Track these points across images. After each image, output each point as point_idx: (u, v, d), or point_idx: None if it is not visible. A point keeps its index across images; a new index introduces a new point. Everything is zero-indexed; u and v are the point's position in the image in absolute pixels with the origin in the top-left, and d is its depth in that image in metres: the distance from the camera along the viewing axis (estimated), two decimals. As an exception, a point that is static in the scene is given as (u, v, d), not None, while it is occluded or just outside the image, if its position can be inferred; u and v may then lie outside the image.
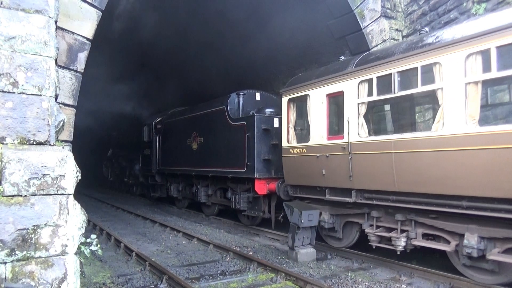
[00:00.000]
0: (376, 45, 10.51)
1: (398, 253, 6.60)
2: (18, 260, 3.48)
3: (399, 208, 6.53)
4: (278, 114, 10.09)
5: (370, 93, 6.86)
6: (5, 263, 3.42)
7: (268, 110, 10.38)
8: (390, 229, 6.85)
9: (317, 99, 7.96)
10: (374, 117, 7.86)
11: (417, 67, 6.08)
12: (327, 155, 7.56)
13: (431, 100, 6.86)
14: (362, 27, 10.46)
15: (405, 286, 6.05)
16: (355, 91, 7.08)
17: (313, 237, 7.79)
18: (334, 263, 7.40)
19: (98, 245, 4.65)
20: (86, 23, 6.62)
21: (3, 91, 3.72)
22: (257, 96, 11.53)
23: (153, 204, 17.32)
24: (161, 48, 16.00)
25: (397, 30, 10.75)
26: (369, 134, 6.96)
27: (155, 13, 13.31)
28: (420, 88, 6.09)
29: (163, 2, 13.05)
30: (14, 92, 3.77)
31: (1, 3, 3.79)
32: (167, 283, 6.09)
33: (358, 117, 6.99)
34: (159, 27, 14.18)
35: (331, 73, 7.73)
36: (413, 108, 7.76)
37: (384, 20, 10.60)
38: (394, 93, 6.38)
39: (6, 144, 3.69)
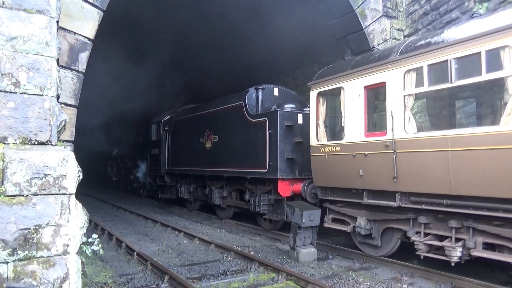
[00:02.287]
0: (378, 45, 10.50)
1: (453, 264, 5.85)
2: (20, 260, 3.49)
3: (453, 213, 5.77)
4: (300, 109, 9.67)
5: (419, 84, 6.13)
6: (7, 262, 3.43)
7: (289, 106, 9.71)
8: (440, 237, 6.10)
9: (352, 92, 7.22)
10: (424, 111, 7.10)
11: (480, 52, 5.30)
12: (366, 153, 6.85)
13: (499, 89, 6.03)
14: (363, 27, 10.45)
15: (406, 286, 6.04)
16: (400, 82, 6.35)
17: (314, 236, 7.78)
18: (336, 263, 7.39)
19: (100, 245, 4.66)
20: (88, 23, 6.63)
21: (5, 91, 3.72)
22: (276, 91, 10.82)
23: (154, 204, 17.29)
24: (163, 47, 16.02)
25: (398, 29, 10.74)
26: (418, 130, 6.27)
27: (155, 12, 13.33)
28: (485, 76, 5.29)
29: (164, 2, 13.07)
30: (16, 92, 3.78)
31: (3, 3, 3.80)
32: (169, 282, 6.09)
33: (405, 111, 6.27)
34: (160, 26, 14.20)
35: (370, 63, 6.98)
36: (475, 100, 6.77)
37: (385, 19, 10.59)
38: (451, 82, 5.63)
39: (8, 144, 3.70)
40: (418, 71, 6.13)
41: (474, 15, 6.40)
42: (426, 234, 6.28)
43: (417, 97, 6.38)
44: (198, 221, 12.55)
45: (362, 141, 7.00)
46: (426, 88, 6.07)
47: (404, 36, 10.73)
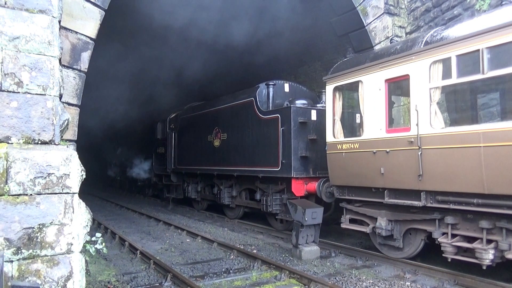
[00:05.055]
0: (379, 42, 10.48)
1: (484, 268, 5.49)
2: (24, 259, 3.51)
3: (484, 213, 5.44)
4: (313, 105, 9.44)
5: (446, 76, 5.78)
6: (12, 261, 3.45)
7: (301, 102, 9.33)
8: (469, 239, 5.76)
9: (372, 85, 6.88)
10: (453, 104, 6.71)
11: None
12: (387, 150, 6.50)
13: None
14: (365, 24, 10.43)
15: (409, 283, 6.04)
16: (425, 74, 5.99)
17: (317, 234, 7.78)
18: (338, 261, 7.39)
19: (103, 244, 4.68)
20: (89, 23, 6.65)
21: (8, 91, 3.74)
22: (286, 87, 10.47)
23: (157, 203, 17.30)
24: (162, 47, 16.01)
25: (400, 27, 10.72)
26: (446, 125, 5.95)
27: (155, 12, 13.31)
28: None
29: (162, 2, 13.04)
30: (18, 92, 3.79)
31: (5, 3, 3.82)
32: (172, 281, 6.11)
33: (431, 104, 5.91)
34: (159, 25, 14.18)
35: (391, 55, 6.63)
36: (509, 91, 6.38)
37: (387, 17, 10.57)
38: (483, 73, 5.26)
39: (12, 143, 3.71)
40: (446, 62, 5.77)
41: (503, 3, 6.11)
42: (453, 235, 5.94)
43: (444, 90, 6.05)
44: (200, 220, 12.57)
45: (383, 137, 6.66)
46: (454, 80, 5.70)
47: (406, 34, 10.70)
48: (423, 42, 6.24)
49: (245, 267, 7.01)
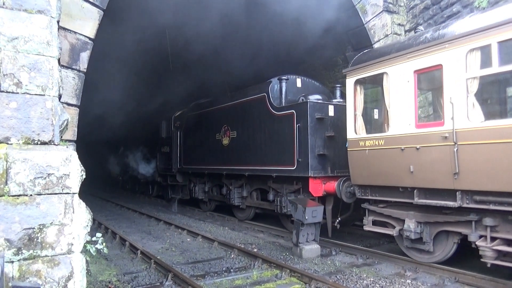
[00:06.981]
0: (379, 40, 10.48)
1: None
2: (25, 259, 3.52)
3: None
4: (328, 101, 9.07)
5: (486, 64, 5.35)
6: (12, 262, 3.45)
7: (316, 97, 8.95)
8: (509, 242, 5.39)
9: (399, 77, 6.45)
10: (494, 96, 6.26)
11: None
12: (417, 147, 6.08)
13: None
14: (364, 22, 10.42)
15: (410, 281, 6.04)
16: (462, 63, 5.55)
17: (317, 233, 7.79)
18: (339, 259, 7.40)
19: (104, 244, 4.68)
20: (88, 23, 6.63)
21: (7, 92, 3.74)
22: (298, 82, 10.01)
23: (158, 203, 17.28)
24: (164, 45, 15.99)
25: (399, 24, 10.70)
26: (486, 118, 5.48)
27: (156, 12, 13.30)
28: None
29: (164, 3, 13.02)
30: (18, 93, 3.79)
31: (3, 4, 3.81)
32: (173, 280, 6.12)
33: (468, 96, 5.47)
34: (159, 24, 14.16)
35: (421, 44, 6.19)
36: None
37: (386, 14, 10.55)
38: None
39: (11, 144, 3.71)
40: (485, 49, 5.34)
41: None
42: (492, 239, 5.52)
43: (484, 80, 5.61)
44: (201, 219, 12.58)
45: (412, 133, 6.22)
46: (496, 69, 5.24)
47: (405, 31, 10.69)
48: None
49: (245, 266, 7.01)
